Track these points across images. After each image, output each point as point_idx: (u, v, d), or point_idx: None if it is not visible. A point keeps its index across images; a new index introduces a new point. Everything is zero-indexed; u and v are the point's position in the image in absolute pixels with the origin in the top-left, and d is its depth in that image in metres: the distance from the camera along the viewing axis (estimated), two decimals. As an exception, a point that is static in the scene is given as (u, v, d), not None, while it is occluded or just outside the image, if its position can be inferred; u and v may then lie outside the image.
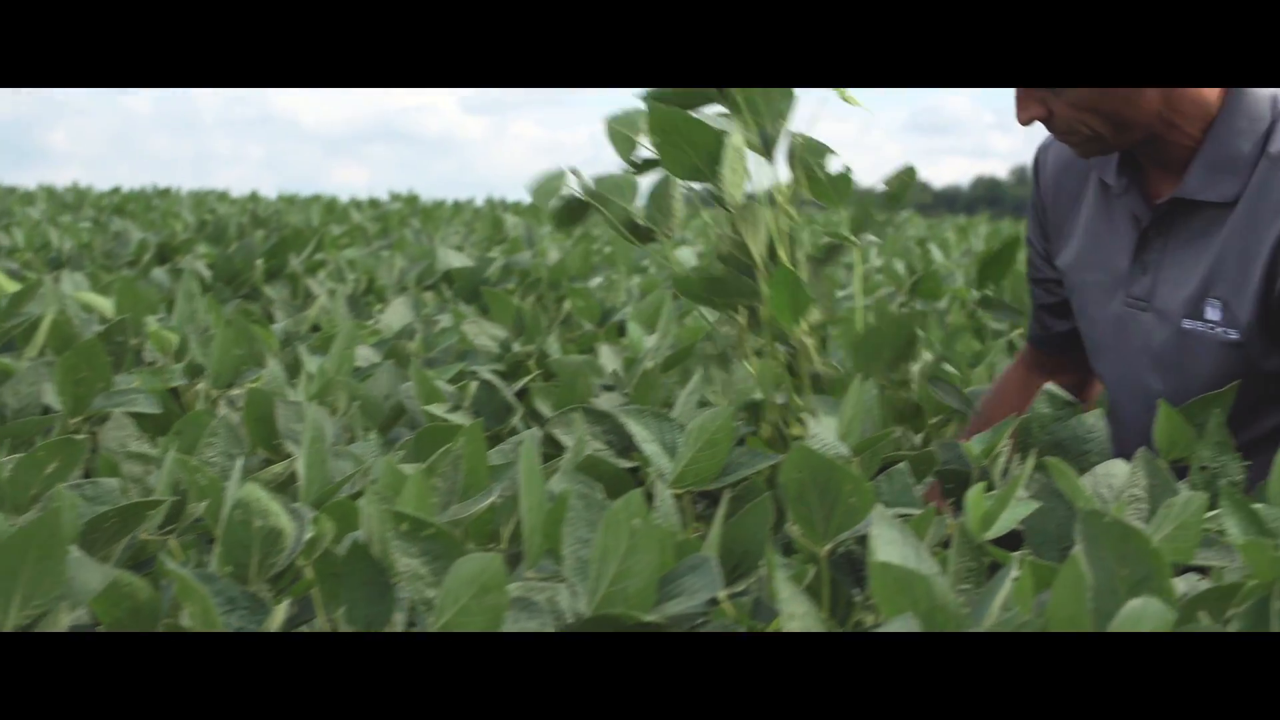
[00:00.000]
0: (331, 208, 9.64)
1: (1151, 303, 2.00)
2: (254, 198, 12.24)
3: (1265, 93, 1.95)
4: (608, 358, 2.46)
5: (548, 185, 2.04)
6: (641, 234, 2.03)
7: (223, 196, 12.64)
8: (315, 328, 3.21)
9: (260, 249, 4.36)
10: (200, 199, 12.21)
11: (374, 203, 11.81)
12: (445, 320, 2.96)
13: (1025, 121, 1.94)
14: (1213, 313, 1.93)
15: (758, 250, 1.90)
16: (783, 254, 1.91)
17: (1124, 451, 2.03)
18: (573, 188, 2.04)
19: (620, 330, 3.26)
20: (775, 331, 1.93)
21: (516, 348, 2.90)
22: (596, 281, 4.16)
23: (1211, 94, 1.94)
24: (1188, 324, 1.95)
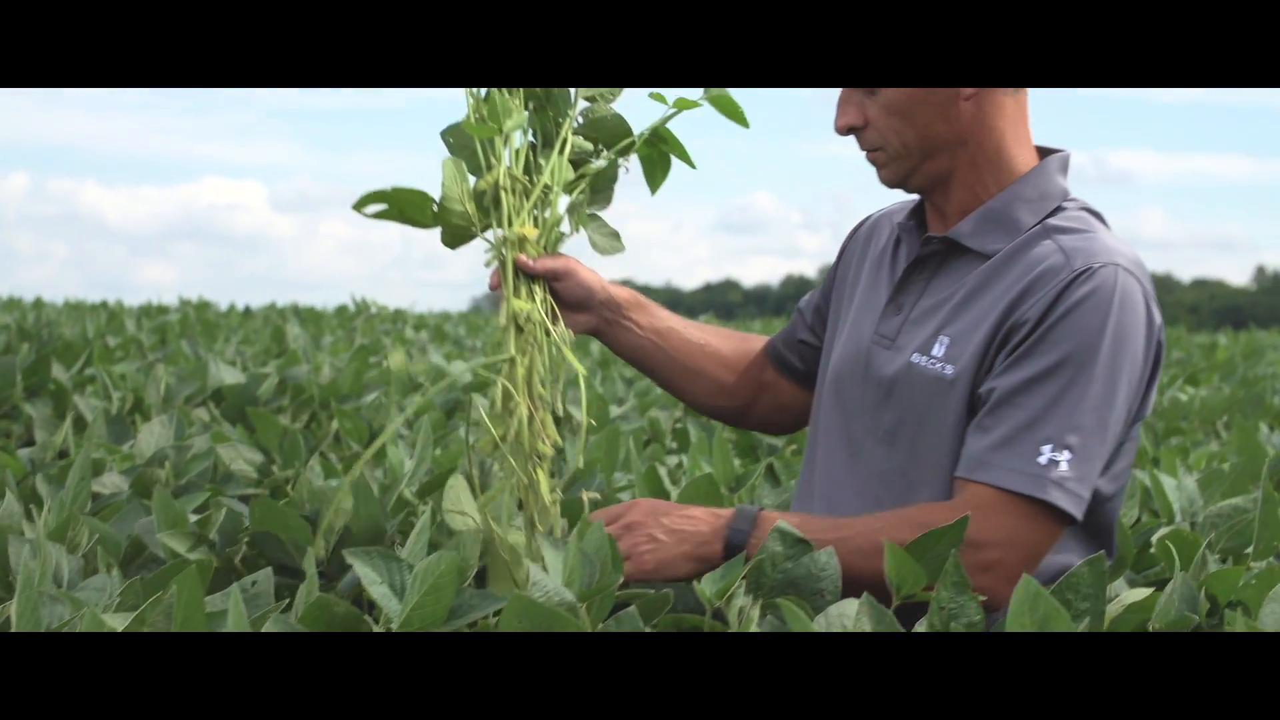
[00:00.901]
0: (114, 316, 9.38)
1: (895, 340, 2.06)
2: (38, 304, 11.84)
3: (1063, 184, 2.04)
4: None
5: None
6: None
7: (10, 303, 12.15)
8: (63, 453, 3.10)
9: (22, 364, 4.20)
10: (-21, 306, 11.77)
11: (162, 308, 11.51)
12: (202, 443, 2.87)
13: (842, 129, 2.03)
14: (939, 349, 1.99)
15: None
16: None
17: (858, 486, 2.05)
18: None
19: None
20: None
21: (276, 471, 2.84)
22: (372, 397, 4.09)
23: (1023, 162, 2.03)
24: (915, 357, 2.01)
